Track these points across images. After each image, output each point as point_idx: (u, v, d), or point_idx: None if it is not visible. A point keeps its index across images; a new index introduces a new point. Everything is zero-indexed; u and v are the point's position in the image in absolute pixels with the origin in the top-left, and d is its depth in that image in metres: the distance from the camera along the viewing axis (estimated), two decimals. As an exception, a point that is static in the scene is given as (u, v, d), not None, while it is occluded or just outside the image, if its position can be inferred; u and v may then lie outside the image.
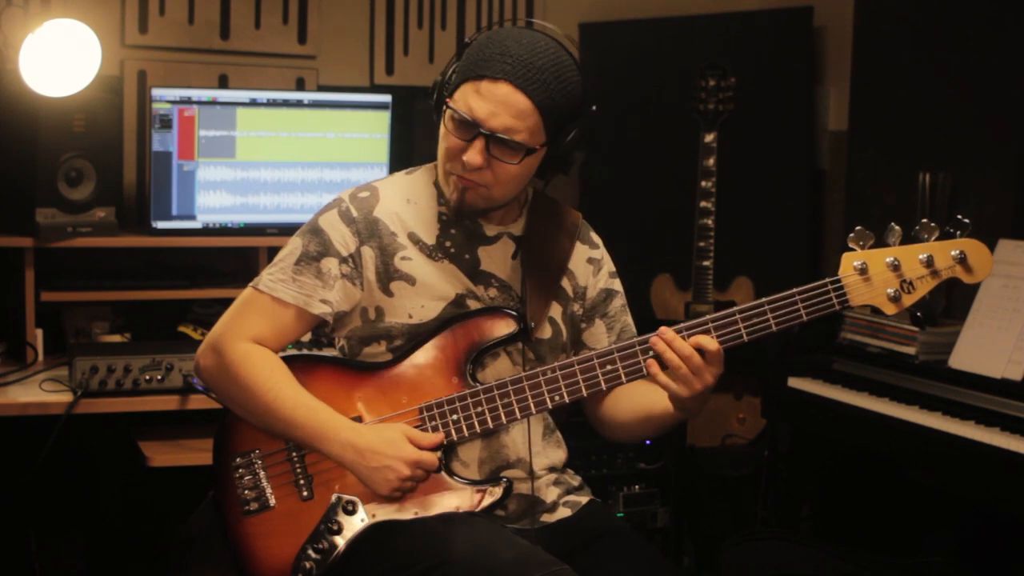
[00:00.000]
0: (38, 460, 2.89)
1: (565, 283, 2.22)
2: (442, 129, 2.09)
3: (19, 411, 2.88)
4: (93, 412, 2.92)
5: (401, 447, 2.02)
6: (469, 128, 2.03)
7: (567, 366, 2.07)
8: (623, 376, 2.05)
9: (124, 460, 3.19)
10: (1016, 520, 2.88)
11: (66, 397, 2.89)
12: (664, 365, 2.01)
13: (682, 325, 2.03)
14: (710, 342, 1.99)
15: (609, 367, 2.05)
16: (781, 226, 3.96)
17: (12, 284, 3.20)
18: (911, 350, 3.00)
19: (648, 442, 3.52)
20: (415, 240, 2.14)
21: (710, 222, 3.68)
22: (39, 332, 3.19)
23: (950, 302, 3.15)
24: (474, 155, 2.03)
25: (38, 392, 2.94)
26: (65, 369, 3.03)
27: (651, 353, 2.02)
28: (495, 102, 2.01)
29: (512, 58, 2.01)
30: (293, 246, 2.15)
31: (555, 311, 2.20)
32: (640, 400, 2.18)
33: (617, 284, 2.31)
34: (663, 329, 2.01)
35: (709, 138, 3.69)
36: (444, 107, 2.07)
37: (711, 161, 3.69)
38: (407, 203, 2.16)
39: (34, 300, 3.17)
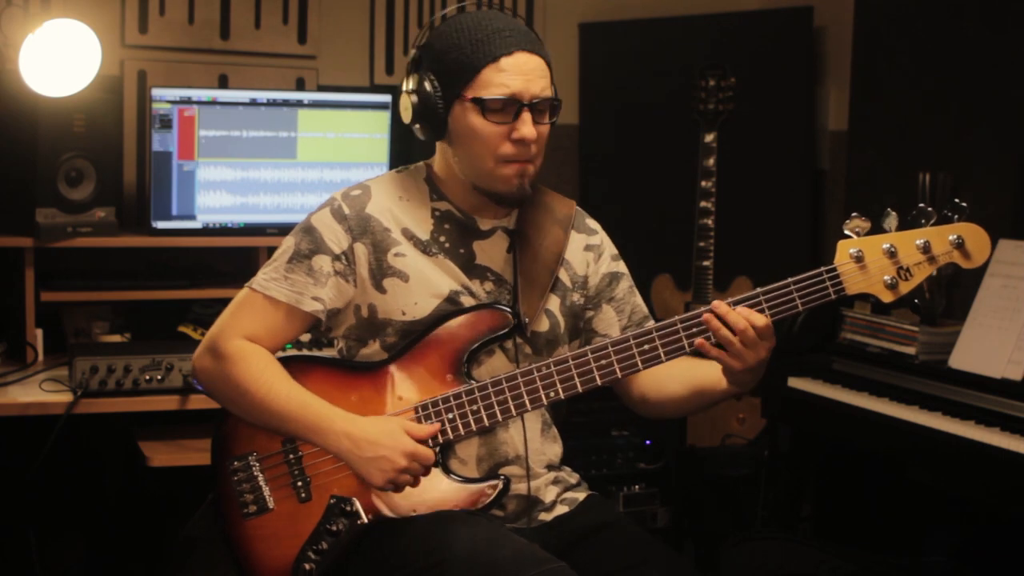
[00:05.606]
0: (38, 460, 2.89)
1: (563, 274, 2.21)
2: (475, 125, 2.06)
3: (19, 411, 2.88)
4: (93, 412, 2.92)
5: (399, 438, 2.02)
6: (510, 107, 2.05)
7: (562, 362, 2.07)
8: (617, 370, 2.05)
9: (124, 460, 3.19)
10: (1016, 520, 2.88)
11: (66, 397, 2.90)
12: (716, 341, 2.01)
13: (730, 300, 2.02)
14: (760, 317, 1.99)
15: (604, 361, 2.05)
16: (781, 226, 3.96)
17: (12, 284, 3.20)
18: (911, 350, 2.99)
19: (648, 442, 3.53)
20: (409, 236, 2.14)
21: (710, 222, 3.68)
22: (39, 332, 3.19)
23: (950, 302, 3.14)
24: (529, 128, 2.05)
25: (38, 392, 2.94)
26: (65, 369, 3.03)
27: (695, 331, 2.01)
28: (523, 71, 2.05)
29: (509, 29, 2.06)
30: (287, 245, 2.15)
31: (552, 303, 2.19)
32: (692, 373, 2.18)
33: (621, 266, 2.31)
34: (716, 303, 2.00)
35: (709, 138, 3.69)
36: (464, 104, 2.06)
37: (711, 161, 3.69)
38: (399, 199, 2.17)
39: (34, 300, 3.17)
